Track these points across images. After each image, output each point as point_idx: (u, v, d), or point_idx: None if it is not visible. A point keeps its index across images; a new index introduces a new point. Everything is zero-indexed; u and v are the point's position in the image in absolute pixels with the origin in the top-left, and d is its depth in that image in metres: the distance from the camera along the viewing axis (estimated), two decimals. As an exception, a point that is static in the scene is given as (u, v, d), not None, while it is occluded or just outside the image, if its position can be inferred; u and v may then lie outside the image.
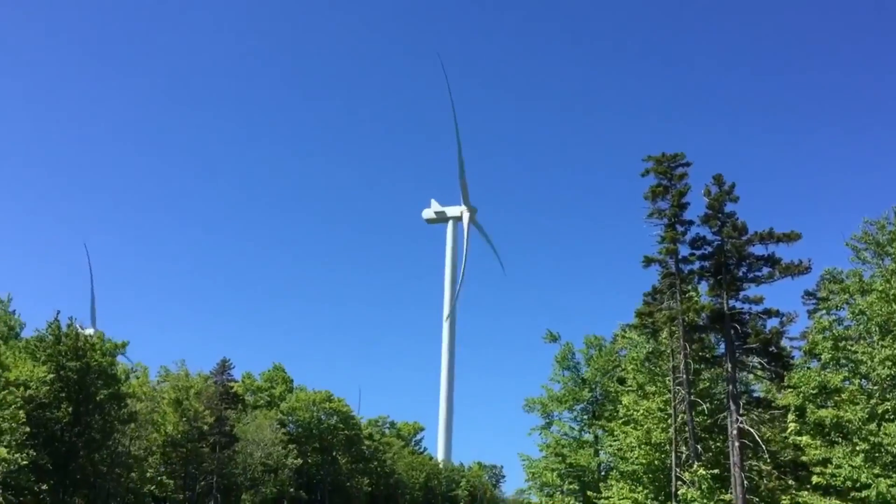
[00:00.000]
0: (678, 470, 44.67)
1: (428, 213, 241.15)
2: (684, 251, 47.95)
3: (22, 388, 51.26)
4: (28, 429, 50.31)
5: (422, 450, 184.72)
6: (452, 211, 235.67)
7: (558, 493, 62.05)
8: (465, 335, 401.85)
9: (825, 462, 39.43)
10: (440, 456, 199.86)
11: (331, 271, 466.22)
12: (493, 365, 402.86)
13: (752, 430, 43.07)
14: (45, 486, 50.71)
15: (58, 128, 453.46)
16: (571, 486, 61.66)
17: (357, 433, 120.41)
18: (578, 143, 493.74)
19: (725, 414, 45.04)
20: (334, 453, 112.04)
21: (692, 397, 45.70)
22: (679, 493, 43.08)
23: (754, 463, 44.39)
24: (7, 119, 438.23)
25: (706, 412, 47.20)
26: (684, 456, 45.40)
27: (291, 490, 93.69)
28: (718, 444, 47.92)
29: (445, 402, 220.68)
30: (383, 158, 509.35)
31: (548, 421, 66.16)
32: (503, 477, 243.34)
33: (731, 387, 44.52)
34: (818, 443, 40.35)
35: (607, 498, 51.20)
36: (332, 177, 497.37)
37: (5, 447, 46.85)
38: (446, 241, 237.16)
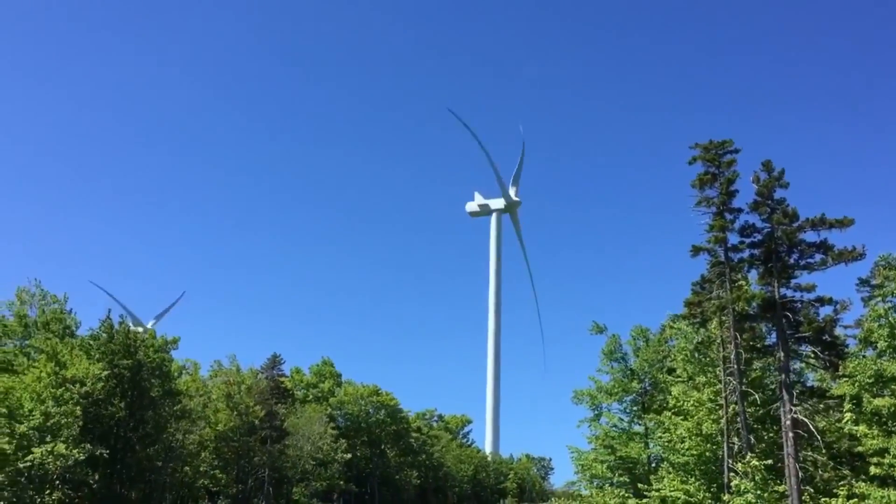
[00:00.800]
0: (730, 461, 44.06)
1: (471, 207, 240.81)
2: (733, 239, 47.17)
3: (78, 385, 52.39)
4: (82, 422, 51.61)
5: (469, 442, 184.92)
6: (496, 203, 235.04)
7: (608, 485, 61.56)
8: (511, 327, 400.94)
9: (882, 452, 38.65)
10: (488, 448, 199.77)
11: (377, 266, 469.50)
12: (540, 357, 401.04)
13: (806, 420, 42.26)
14: (97, 476, 51.77)
15: (102, 129, 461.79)
16: (622, 479, 61.13)
17: (405, 426, 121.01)
18: (622, 134, 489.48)
19: (778, 404, 44.27)
20: (383, 446, 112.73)
21: (744, 387, 45.03)
22: (732, 484, 42.51)
23: (809, 453, 43.60)
24: (57, 126, 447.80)
25: (758, 402, 46.46)
26: (736, 447, 44.77)
27: (341, 483, 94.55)
28: (771, 434, 47.17)
29: (492, 395, 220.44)
30: (426, 153, 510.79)
31: (597, 413, 65.62)
32: (552, 469, 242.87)
33: (783, 376, 43.74)
34: (875, 432, 39.52)
35: (658, 490, 50.70)
36: (376, 172, 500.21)
37: (63, 442, 48.03)
38: (490, 234, 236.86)
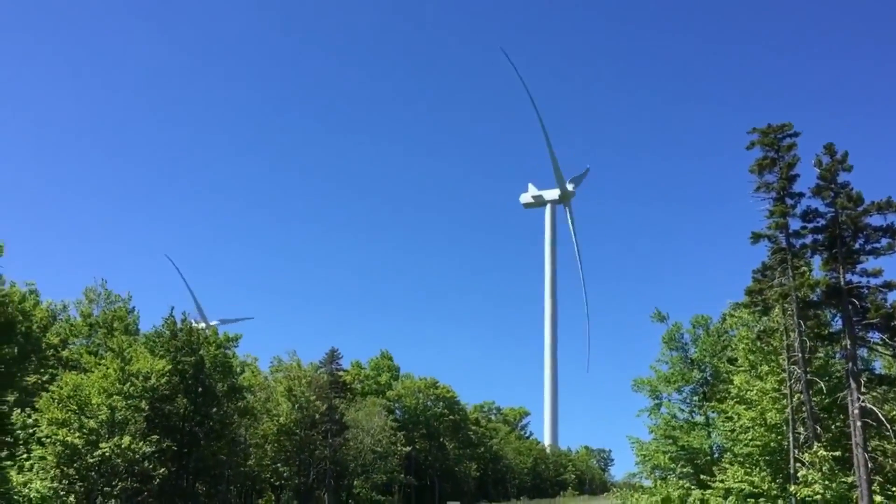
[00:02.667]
0: (797, 451, 43.12)
1: (525, 198, 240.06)
2: (795, 225, 45.88)
3: (142, 380, 53.56)
4: (149, 416, 52.93)
5: (528, 435, 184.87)
6: (550, 194, 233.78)
7: (671, 476, 60.68)
8: (568, 318, 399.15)
9: (956, 441, 37.43)
10: (547, 441, 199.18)
11: (434, 259, 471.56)
12: (598, 348, 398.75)
13: (875, 409, 41.12)
14: (163, 470, 52.92)
15: (167, 126, 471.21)
16: (685, 469, 60.21)
17: (463, 419, 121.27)
18: (677, 122, 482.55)
19: (845, 393, 43.15)
20: (441, 439, 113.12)
21: (808, 376, 44.00)
22: (799, 475, 41.63)
23: (878, 443, 42.45)
24: (103, 119, 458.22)
25: (824, 391, 45.35)
26: (802, 437, 43.78)
27: (402, 476, 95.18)
28: (838, 423, 45.98)
29: (550, 387, 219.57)
30: (480, 145, 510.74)
31: (657, 402, 64.81)
32: (612, 461, 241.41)
33: (850, 364, 42.58)
34: (948, 420, 38.32)
35: (722, 481, 49.89)
36: (431, 166, 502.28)
37: (130, 436, 49.31)
38: (545, 225, 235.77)
